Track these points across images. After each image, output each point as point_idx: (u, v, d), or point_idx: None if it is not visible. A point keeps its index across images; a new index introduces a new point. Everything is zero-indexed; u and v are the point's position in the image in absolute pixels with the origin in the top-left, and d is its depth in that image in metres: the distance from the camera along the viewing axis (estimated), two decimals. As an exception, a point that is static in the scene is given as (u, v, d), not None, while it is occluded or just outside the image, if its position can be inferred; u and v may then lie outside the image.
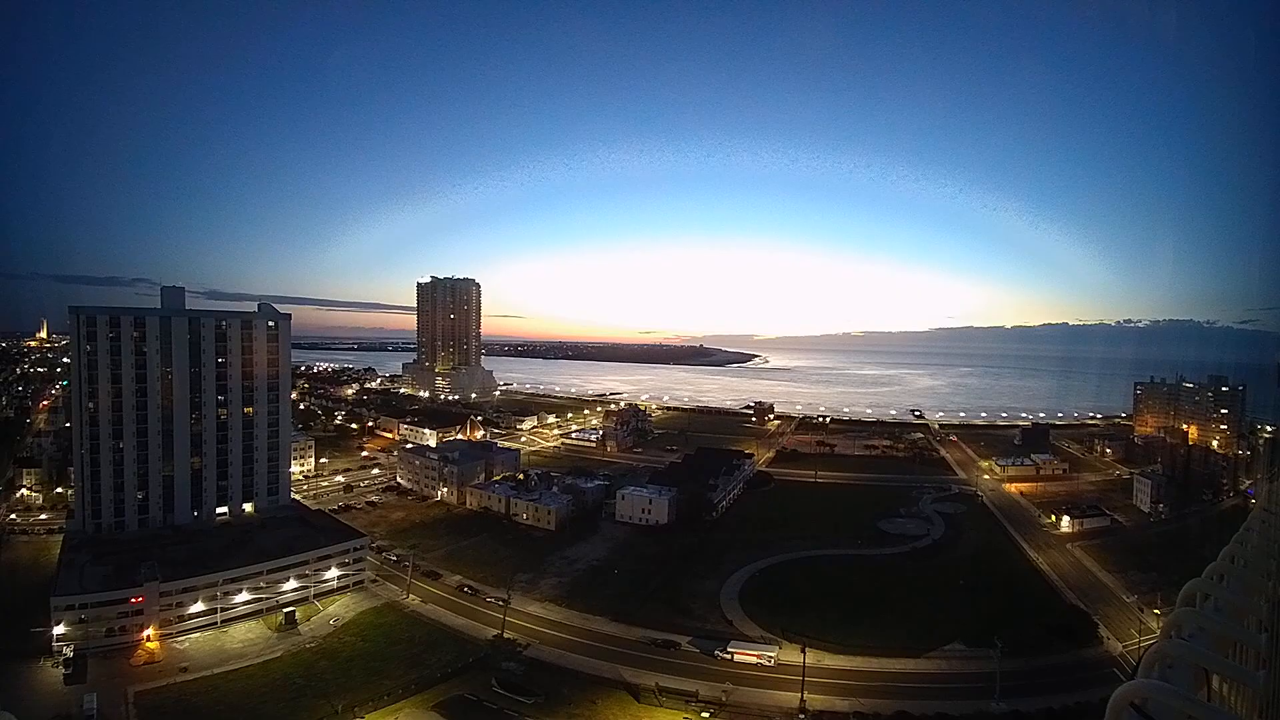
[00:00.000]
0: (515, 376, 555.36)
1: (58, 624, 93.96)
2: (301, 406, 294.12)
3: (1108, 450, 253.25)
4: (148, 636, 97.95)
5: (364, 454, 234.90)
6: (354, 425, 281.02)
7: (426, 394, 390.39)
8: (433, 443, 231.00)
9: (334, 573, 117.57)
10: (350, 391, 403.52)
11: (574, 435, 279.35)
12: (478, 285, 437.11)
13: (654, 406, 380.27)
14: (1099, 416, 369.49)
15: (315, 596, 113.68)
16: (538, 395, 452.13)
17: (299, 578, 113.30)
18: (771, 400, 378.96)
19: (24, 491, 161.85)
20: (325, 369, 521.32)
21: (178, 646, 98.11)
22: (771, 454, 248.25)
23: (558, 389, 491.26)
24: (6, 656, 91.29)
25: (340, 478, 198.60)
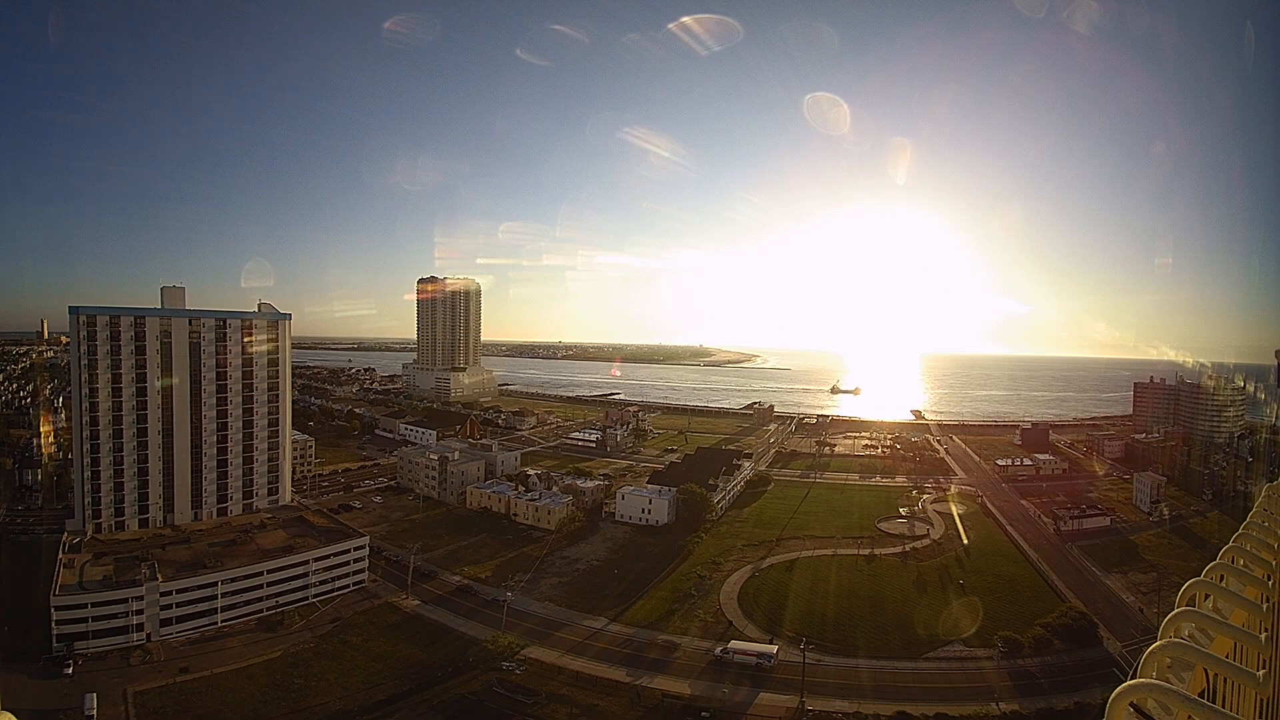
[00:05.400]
0: (515, 376, 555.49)
1: (57, 624, 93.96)
2: (301, 406, 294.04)
3: (1108, 450, 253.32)
4: (148, 636, 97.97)
5: (364, 454, 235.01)
6: (354, 425, 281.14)
7: (426, 394, 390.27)
8: (433, 443, 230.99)
9: (334, 573, 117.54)
10: (350, 391, 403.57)
11: (574, 435, 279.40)
12: (478, 285, 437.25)
13: (653, 406, 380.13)
14: (1099, 416, 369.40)
15: (315, 597, 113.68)
16: (538, 395, 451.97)
17: (299, 578, 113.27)
18: (771, 401, 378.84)
19: (23, 491, 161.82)
20: (325, 369, 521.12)
21: (177, 647, 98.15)
22: (771, 454, 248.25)
23: (558, 389, 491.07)
24: (6, 656, 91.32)
25: (340, 478, 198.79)
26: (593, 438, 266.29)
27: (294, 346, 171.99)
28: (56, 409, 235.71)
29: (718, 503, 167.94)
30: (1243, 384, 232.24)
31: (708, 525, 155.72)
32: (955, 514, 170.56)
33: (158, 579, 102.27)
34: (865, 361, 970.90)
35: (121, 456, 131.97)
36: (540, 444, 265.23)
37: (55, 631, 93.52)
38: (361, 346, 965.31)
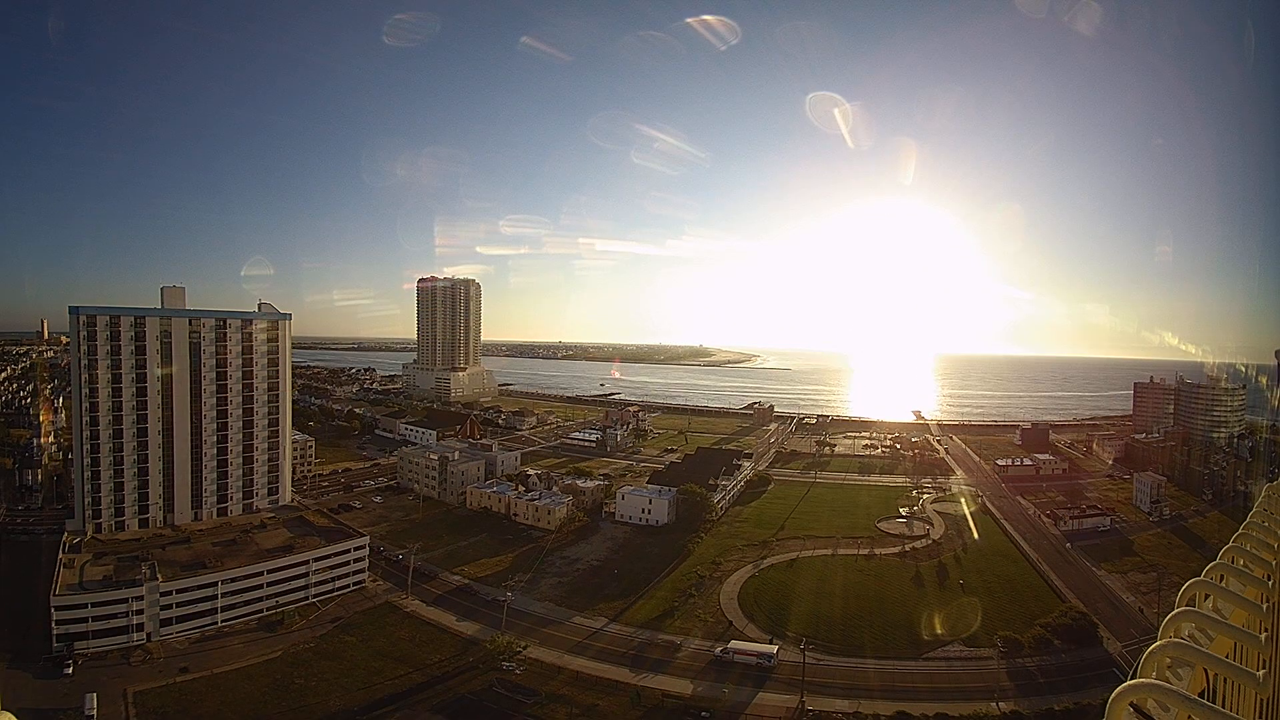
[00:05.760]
0: (515, 376, 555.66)
1: (57, 624, 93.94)
2: (301, 406, 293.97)
3: (1108, 450, 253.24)
4: (148, 636, 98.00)
5: (364, 453, 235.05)
6: (354, 425, 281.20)
7: (426, 394, 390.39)
8: (433, 443, 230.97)
9: (334, 573, 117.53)
10: (350, 391, 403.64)
11: (574, 435, 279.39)
12: (477, 285, 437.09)
13: (653, 406, 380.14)
14: (1099, 417, 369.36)
15: (315, 597, 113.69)
16: (538, 395, 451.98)
17: (299, 578, 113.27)
18: (771, 400, 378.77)
19: (24, 491, 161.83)
20: (325, 369, 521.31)
21: (177, 647, 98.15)
22: (771, 454, 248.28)
23: (558, 389, 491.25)
24: (6, 656, 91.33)
25: (340, 478, 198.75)
26: (593, 438, 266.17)
27: (294, 346, 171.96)
28: (56, 409, 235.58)
29: (718, 503, 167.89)
30: (1246, 373, 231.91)
31: (708, 525, 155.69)
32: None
33: (158, 579, 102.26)
34: (873, 362, 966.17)
35: (121, 456, 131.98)
36: (540, 444, 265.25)
37: (55, 631, 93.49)
38: (361, 346, 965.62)
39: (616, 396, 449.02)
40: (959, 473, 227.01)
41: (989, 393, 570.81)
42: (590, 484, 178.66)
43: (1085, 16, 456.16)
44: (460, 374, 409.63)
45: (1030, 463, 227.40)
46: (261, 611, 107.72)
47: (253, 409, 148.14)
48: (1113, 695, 6.24)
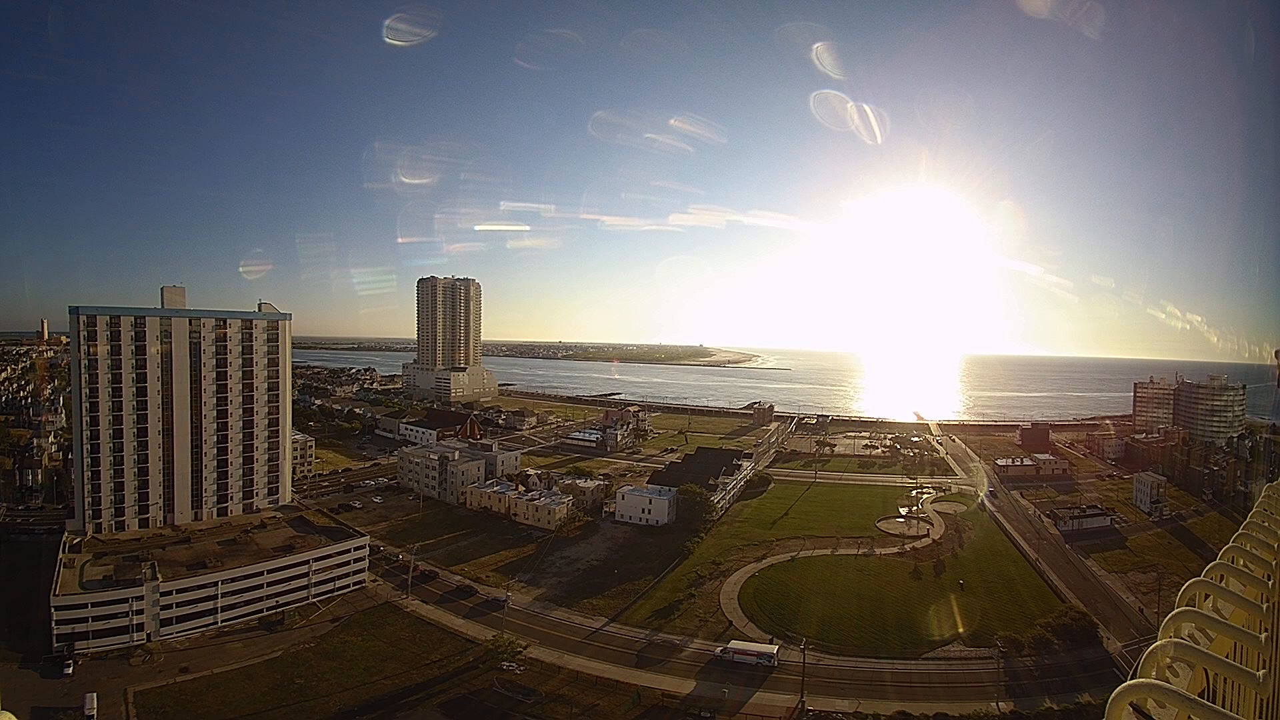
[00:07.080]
0: (515, 376, 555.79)
1: (57, 624, 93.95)
2: (301, 406, 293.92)
3: (1108, 450, 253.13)
4: (148, 636, 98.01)
5: (364, 453, 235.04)
6: (354, 425, 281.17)
7: (426, 394, 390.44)
8: (433, 443, 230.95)
9: (334, 573, 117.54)
10: (350, 391, 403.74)
11: (574, 435, 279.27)
12: (477, 284, 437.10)
13: (653, 406, 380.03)
14: (1100, 416, 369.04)
15: (315, 596, 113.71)
16: (538, 395, 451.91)
17: (299, 578, 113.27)
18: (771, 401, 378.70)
19: (24, 491, 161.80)
20: (325, 369, 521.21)
21: (177, 647, 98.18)
22: (771, 454, 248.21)
23: (558, 389, 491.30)
24: (6, 656, 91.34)
25: (340, 478, 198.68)
26: (593, 438, 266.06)
27: (294, 346, 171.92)
28: (57, 409, 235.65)
29: (718, 502, 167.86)
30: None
31: (708, 525, 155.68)
32: (955, 514, 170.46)
33: (158, 579, 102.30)
34: (887, 362, 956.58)
35: (121, 456, 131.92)
36: (540, 444, 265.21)
37: (55, 631, 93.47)
38: (361, 346, 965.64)
39: (617, 396, 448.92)
40: (959, 473, 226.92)
41: (995, 393, 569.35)
42: (590, 484, 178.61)
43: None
44: (460, 374, 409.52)
45: (1030, 463, 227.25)
46: (262, 611, 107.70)
47: (253, 409, 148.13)
48: (1113, 695, 6.24)
